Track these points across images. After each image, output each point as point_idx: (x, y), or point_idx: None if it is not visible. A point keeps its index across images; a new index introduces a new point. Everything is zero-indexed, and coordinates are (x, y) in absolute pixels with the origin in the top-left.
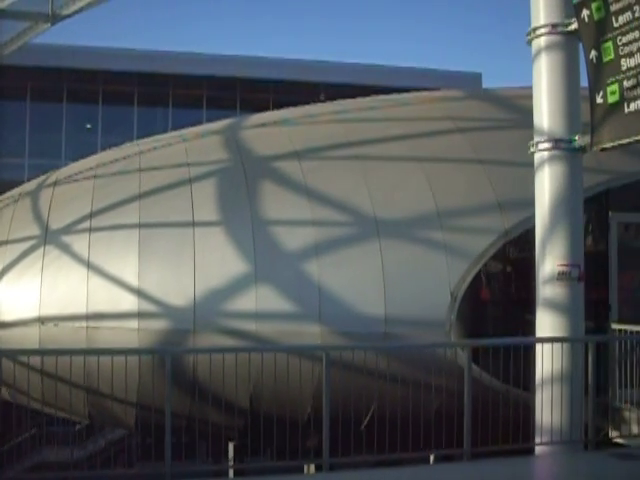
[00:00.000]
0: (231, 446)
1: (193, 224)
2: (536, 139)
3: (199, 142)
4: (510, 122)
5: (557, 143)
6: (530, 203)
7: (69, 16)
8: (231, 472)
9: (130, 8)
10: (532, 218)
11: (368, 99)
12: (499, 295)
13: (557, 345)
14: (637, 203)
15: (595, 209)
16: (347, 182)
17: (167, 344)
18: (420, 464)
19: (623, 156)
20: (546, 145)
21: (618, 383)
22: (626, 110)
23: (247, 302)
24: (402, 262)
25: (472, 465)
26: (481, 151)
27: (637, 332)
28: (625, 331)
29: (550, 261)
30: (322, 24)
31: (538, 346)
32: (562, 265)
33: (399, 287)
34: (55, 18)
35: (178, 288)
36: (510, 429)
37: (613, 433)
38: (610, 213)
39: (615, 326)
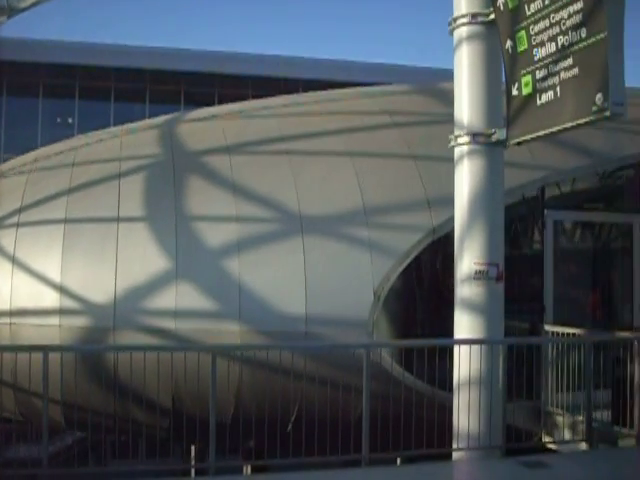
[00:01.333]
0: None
1: (118, 220)
2: (456, 132)
3: (135, 136)
4: (450, 116)
5: (475, 137)
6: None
7: (26, 9)
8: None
9: (108, 2)
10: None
11: (313, 93)
12: (426, 294)
13: (476, 347)
14: (574, 200)
15: (530, 206)
16: (275, 178)
17: (88, 342)
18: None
19: (560, 152)
20: (465, 139)
21: (551, 387)
22: (538, 102)
23: (167, 300)
24: (325, 260)
25: (365, 472)
26: (415, 146)
27: (569, 334)
28: (558, 333)
29: (467, 259)
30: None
31: (456, 348)
32: (479, 264)
33: (321, 285)
34: (12, 11)
35: (100, 285)
36: (435, 433)
37: (546, 438)
38: (546, 211)
39: (548, 328)
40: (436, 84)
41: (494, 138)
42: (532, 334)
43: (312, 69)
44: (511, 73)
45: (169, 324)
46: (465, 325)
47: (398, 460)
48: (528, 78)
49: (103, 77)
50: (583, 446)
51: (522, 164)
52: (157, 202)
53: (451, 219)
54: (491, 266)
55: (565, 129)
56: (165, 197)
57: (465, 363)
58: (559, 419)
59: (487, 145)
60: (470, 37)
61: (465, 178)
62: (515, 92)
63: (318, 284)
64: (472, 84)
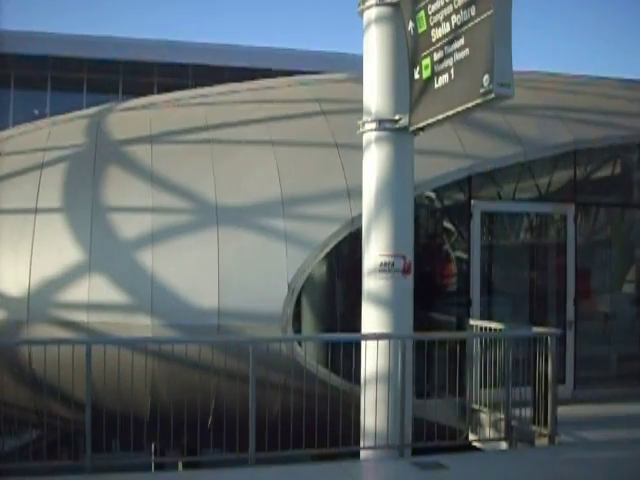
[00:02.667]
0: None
1: (35, 211)
2: (364, 119)
3: (64, 126)
4: None
5: (382, 123)
6: None
7: None
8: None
9: None
10: None
11: (251, 82)
12: (345, 287)
13: (384, 342)
14: (505, 191)
15: (456, 196)
16: (194, 167)
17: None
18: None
19: (491, 140)
20: (372, 125)
21: (475, 383)
22: (435, 86)
23: (80, 293)
24: (240, 252)
25: (252, 471)
26: (340, 135)
27: (491, 329)
28: (482, 328)
29: (374, 251)
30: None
31: (363, 343)
32: (385, 255)
33: (235, 278)
34: None
35: (14, 277)
36: (352, 430)
37: (472, 436)
38: (472, 201)
39: (473, 322)
40: None
41: (401, 124)
42: (459, 329)
43: (254, 57)
44: (413, 56)
45: (82, 317)
46: (372, 319)
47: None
48: (427, 61)
49: (76, 68)
50: (503, 445)
51: (450, 153)
52: (75, 193)
53: None
54: (397, 258)
55: (458, 113)
56: (83, 188)
57: (372, 359)
58: (483, 417)
59: (394, 132)
60: (379, 19)
61: (372, 166)
62: (417, 76)
63: (231, 277)
64: (380, 68)
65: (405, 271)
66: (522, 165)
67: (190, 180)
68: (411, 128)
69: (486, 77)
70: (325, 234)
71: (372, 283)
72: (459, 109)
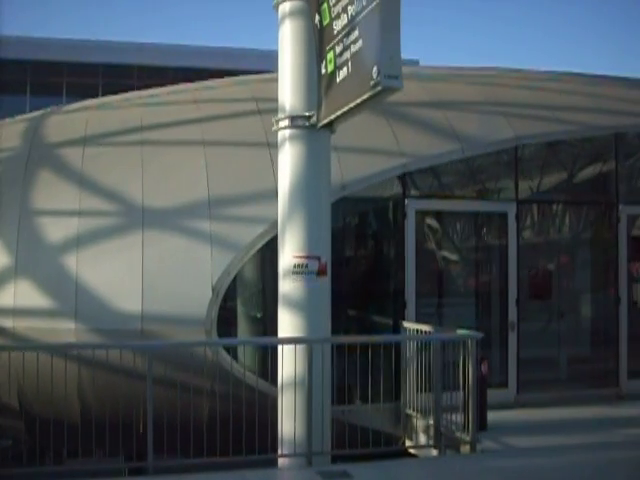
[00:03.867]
0: None
1: None
2: (278, 115)
3: (5, 129)
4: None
5: (294, 120)
6: None
7: None
8: None
9: None
10: None
11: (196, 83)
12: (272, 289)
13: (299, 346)
14: (440, 189)
15: (390, 195)
16: (124, 169)
17: None
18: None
19: (429, 137)
20: (285, 122)
21: (409, 388)
22: (337, 79)
23: (6, 298)
24: (164, 255)
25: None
26: (274, 134)
27: (424, 332)
28: (416, 330)
29: (288, 252)
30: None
31: (279, 347)
32: (299, 257)
33: (159, 282)
34: None
35: None
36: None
37: (408, 442)
38: (407, 200)
39: (407, 325)
40: None
41: (312, 121)
42: (396, 332)
43: (200, 57)
44: (320, 50)
45: (7, 323)
46: (287, 323)
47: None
48: (331, 55)
49: (19, 70)
50: (434, 452)
51: (384, 150)
52: (5, 197)
53: None
54: (311, 259)
55: (356, 107)
56: (12, 191)
57: (288, 364)
58: (416, 422)
59: (307, 129)
60: (292, 13)
61: (286, 165)
62: (323, 70)
63: (156, 280)
64: (293, 63)
65: (320, 273)
66: (461, 162)
67: (119, 182)
68: (319, 124)
69: (375, 69)
70: (251, 235)
71: (286, 285)
72: (353, 104)
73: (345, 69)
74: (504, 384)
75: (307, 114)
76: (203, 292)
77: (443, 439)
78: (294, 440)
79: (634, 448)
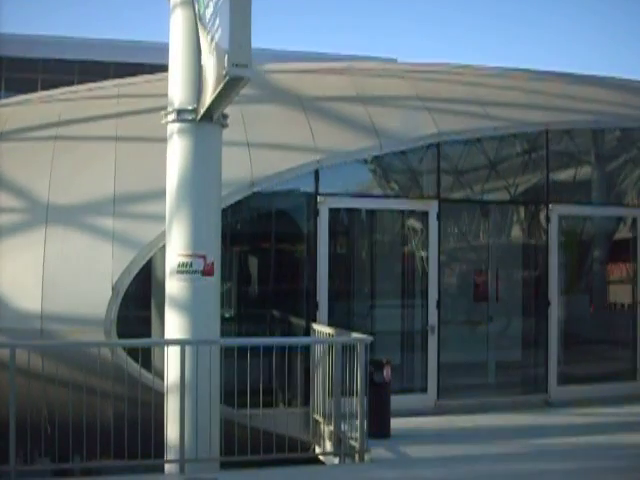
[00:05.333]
0: None
1: None
2: (168, 109)
3: None
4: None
5: (181, 114)
6: (225, 185)
7: None
8: None
9: None
10: None
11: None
12: None
13: (190, 348)
14: (358, 186)
15: (303, 193)
16: (35, 165)
17: None
18: None
19: (347, 133)
20: (172, 116)
21: (316, 393)
22: (208, 70)
23: None
24: (66, 253)
25: None
26: None
27: (328, 334)
28: (325, 333)
29: (173, 251)
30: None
31: (165, 349)
32: (183, 255)
33: (60, 280)
34: None
35: None
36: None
37: (317, 449)
38: (319, 198)
39: (316, 327)
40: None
41: (199, 115)
42: (307, 334)
43: (141, 53)
44: (198, 41)
45: None
46: (173, 323)
47: None
48: (205, 45)
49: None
50: (335, 460)
51: (299, 146)
52: None
53: None
54: (196, 258)
55: (220, 97)
56: None
57: (175, 366)
58: (323, 428)
59: (194, 122)
60: (182, 2)
61: (173, 159)
62: (203, 61)
63: (57, 279)
64: (181, 54)
65: (206, 272)
66: (380, 159)
67: (29, 178)
68: (198, 117)
69: (226, 57)
70: (154, 233)
71: (172, 285)
72: (213, 95)
73: (213, 59)
74: (424, 389)
75: (191, 107)
76: (103, 291)
77: (342, 447)
78: (179, 445)
79: (542, 460)
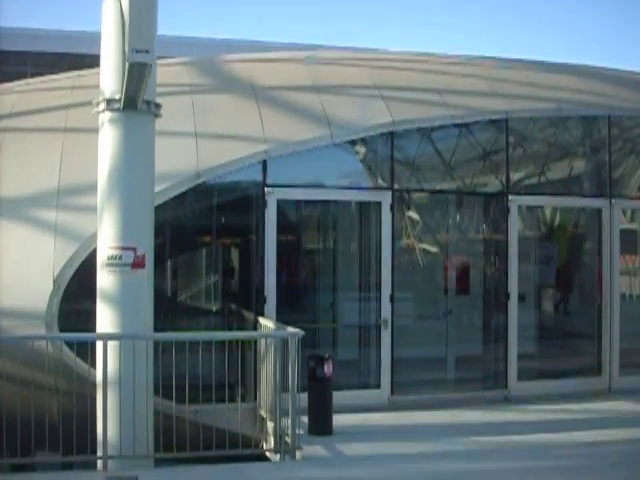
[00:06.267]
0: None
1: None
2: (99, 98)
3: None
4: (206, 87)
5: (110, 103)
6: (169, 176)
7: None
8: None
9: None
10: (162, 194)
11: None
12: None
13: (127, 342)
14: (309, 177)
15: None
16: None
17: None
18: None
19: (299, 122)
20: (103, 105)
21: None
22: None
23: None
24: (9, 245)
25: None
26: None
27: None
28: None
29: (103, 243)
30: None
31: (98, 343)
32: (113, 248)
33: (2, 273)
34: None
35: None
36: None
37: (265, 446)
38: (267, 189)
39: (263, 321)
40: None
41: (121, 103)
42: (255, 328)
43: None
44: (122, 28)
45: None
46: (105, 318)
47: None
48: (126, 32)
49: None
50: (276, 457)
51: (247, 136)
52: None
53: None
54: (126, 250)
55: (128, 83)
56: None
57: (112, 361)
58: (269, 425)
59: (124, 112)
60: None
61: (103, 149)
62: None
63: None
64: (110, 43)
65: (136, 265)
66: (332, 148)
67: None
68: (120, 106)
69: (126, 43)
70: (96, 226)
71: (102, 278)
72: (125, 83)
73: (126, 46)
74: (377, 385)
75: (117, 97)
76: (45, 285)
77: (281, 444)
78: (113, 441)
79: (484, 458)
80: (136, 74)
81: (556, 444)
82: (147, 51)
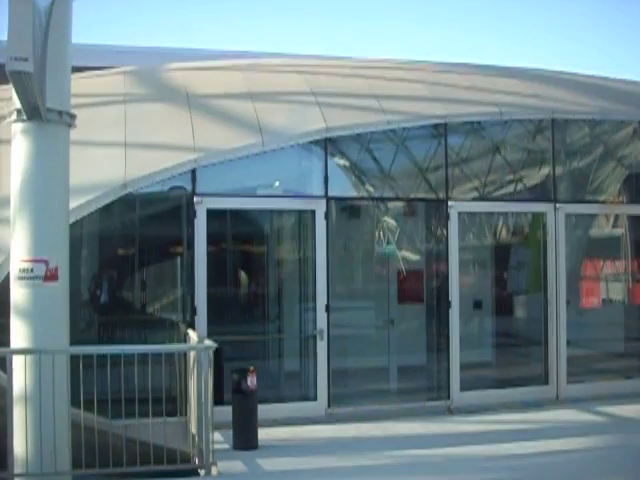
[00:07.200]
0: None
1: None
2: (12, 108)
3: None
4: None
5: (20, 113)
6: (97, 187)
7: None
8: None
9: None
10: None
11: None
12: None
13: (43, 357)
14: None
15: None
16: None
17: None
18: None
19: (229, 130)
20: (14, 116)
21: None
22: None
23: None
24: None
25: None
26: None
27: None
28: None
29: (15, 256)
30: None
31: (10, 358)
32: (24, 261)
33: None
34: None
35: None
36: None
37: (198, 462)
38: (196, 198)
39: (191, 333)
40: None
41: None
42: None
43: None
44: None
45: None
46: (19, 331)
47: None
48: None
49: None
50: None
51: (177, 146)
52: None
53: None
54: (37, 263)
55: (18, 93)
56: None
57: (19, 376)
58: (196, 439)
59: (31, 122)
60: None
61: (16, 160)
62: None
63: None
64: None
65: (48, 278)
66: (262, 156)
67: None
68: (28, 116)
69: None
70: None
71: (15, 291)
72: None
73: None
74: (314, 397)
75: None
76: None
77: (204, 460)
78: (22, 458)
79: (406, 474)
80: (19, 83)
81: (493, 456)
82: (26, 59)
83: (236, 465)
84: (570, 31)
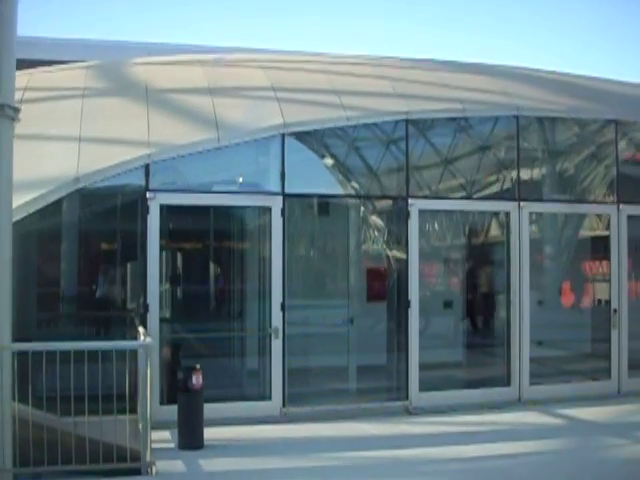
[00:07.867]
0: None
1: None
2: None
3: None
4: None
5: None
6: (49, 182)
7: None
8: None
9: None
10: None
11: None
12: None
13: None
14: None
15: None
16: None
17: None
18: None
19: (186, 126)
20: None
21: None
22: None
23: None
24: None
25: None
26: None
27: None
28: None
29: None
30: None
31: None
32: None
33: None
34: None
35: None
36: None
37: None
38: (149, 194)
39: (141, 330)
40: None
41: None
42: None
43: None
44: None
45: None
46: None
47: None
48: None
49: None
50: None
51: (132, 141)
52: None
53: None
54: None
55: None
56: None
57: None
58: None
59: None
60: None
61: None
62: None
63: None
64: None
65: None
66: (219, 152)
67: None
68: None
69: None
70: None
71: None
72: None
73: None
74: (268, 396)
75: None
76: None
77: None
78: None
79: (350, 476)
80: None
81: (442, 459)
82: None
83: (175, 465)
84: (570, 31)
